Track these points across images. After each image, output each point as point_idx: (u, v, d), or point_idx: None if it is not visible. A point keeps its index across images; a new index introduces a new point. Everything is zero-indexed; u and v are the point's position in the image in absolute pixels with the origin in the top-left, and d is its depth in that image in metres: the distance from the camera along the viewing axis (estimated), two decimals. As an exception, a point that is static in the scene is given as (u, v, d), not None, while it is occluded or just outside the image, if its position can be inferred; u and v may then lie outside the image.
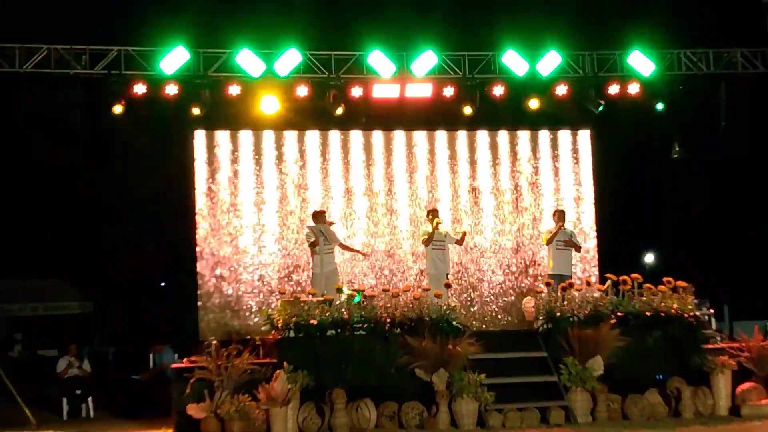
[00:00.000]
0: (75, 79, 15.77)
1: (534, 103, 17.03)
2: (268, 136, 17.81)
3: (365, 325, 12.48)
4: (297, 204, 17.54)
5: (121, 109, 15.86)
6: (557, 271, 15.21)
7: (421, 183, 18.05)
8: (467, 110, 16.83)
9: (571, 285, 13.52)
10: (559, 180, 18.55)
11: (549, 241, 15.57)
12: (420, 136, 18.28)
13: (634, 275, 13.50)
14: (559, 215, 15.87)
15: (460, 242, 15.68)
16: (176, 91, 15.99)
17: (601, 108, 16.93)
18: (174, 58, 15.92)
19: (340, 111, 16.54)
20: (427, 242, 15.24)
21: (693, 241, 18.79)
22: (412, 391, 12.28)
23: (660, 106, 17.12)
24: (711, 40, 17.22)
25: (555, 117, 17.71)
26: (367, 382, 12.23)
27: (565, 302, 13.26)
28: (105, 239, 18.43)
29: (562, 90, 16.88)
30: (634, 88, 16.99)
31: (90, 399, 15.64)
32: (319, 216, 15.21)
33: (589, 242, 18.19)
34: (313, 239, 14.82)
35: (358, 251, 15.07)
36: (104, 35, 16.10)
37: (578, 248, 15.97)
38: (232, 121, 17.22)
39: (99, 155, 17.32)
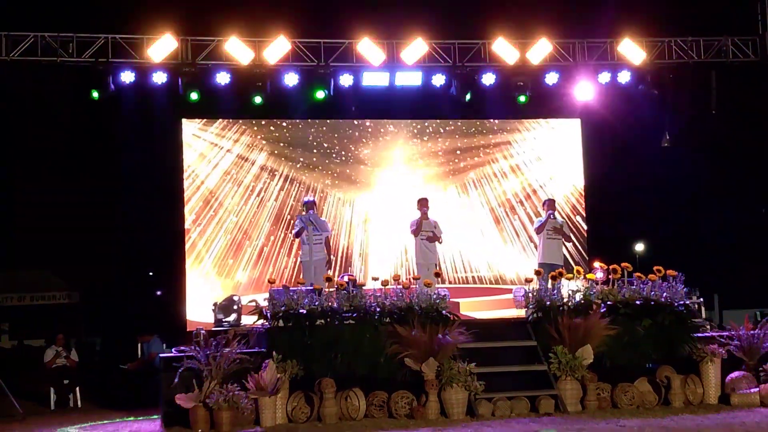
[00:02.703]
0: (62, 66, 15.65)
1: (523, 99, 16.96)
2: (257, 124, 17.74)
3: (355, 315, 12.43)
4: (286, 193, 17.49)
5: (97, 94, 15.75)
6: (547, 260, 15.19)
7: (410, 172, 18.02)
8: (467, 97, 16.78)
9: (561, 274, 13.48)
10: (548, 168, 18.54)
11: (539, 230, 15.56)
12: (409, 124, 18.24)
13: (624, 264, 13.47)
14: (549, 204, 15.86)
15: (434, 239, 15.46)
16: (164, 79, 15.91)
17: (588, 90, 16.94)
18: (162, 46, 15.82)
19: (321, 95, 16.44)
20: (416, 232, 15.20)
21: (683, 229, 18.78)
22: (402, 381, 12.23)
23: (650, 94, 17.08)
24: (701, 28, 17.19)
25: (545, 105, 17.67)
26: (356, 371, 12.17)
27: (555, 291, 13.22)
28: (93, 229, 18.33)
29: (552, 78, 16.84)
30: (624, 77, 16.96)
31: (77, 389, 15.59)
32: (309, 205, 15.13)
33: (579, 231, 18.20)
34: (297, 229, 14.80)
35: (328, 255, 15.04)
36: (91, 23, 16.01)
37: (567, 239, 15.95)
38: (221, 109, 17.13)
39: (86, 144, 17.24)
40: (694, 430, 10.91)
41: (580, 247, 18.28)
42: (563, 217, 17.18)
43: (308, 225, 14.66)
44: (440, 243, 15.45)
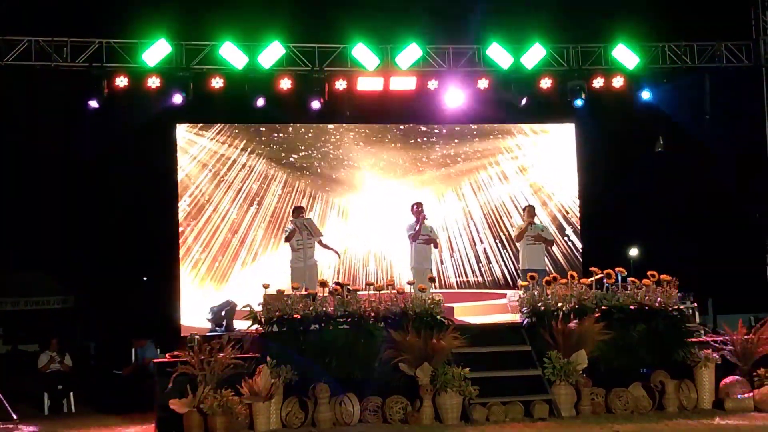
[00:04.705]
0: (56, 71, 15.65)
1: (524, 101, 16.94)
2: (251, 128, 17.73)
3: (349, 320, 12.43)
4: (280, 197, 17.49)
5: (100, 103, 15.75)
6: (529, 266, 15.15)
7: (404, 176, 18.03)
8: (449, 102, 16.76)
9: (555, 279, 13.48)
10: (543, 173, 18.55)
11: (519, 238, 15.52)
12: (404, 129, 18.25)
13: (618, 269, 13.48)
14: (529, 211, 15.77)
15: (436, 245, 15.50)
16: (158, 84, 15.91)
17: (580, 100, 16.90)
18: (156, 51, 15.83)
19: (316, 105, 16.46)
20: (414, 237, 15.17)
21: (677, 234, 18.79)
22: (396, 386, 12.23)
23: (647, 95, 17.10)
24: (695, 33, 17.23)
25: (539, 110, 17.68)
26: (350, 376, 12.17)
27: (549, 296, 13.23)
28: (87, 233, 18.30)
29: (546, 83, 16.86)
30: (618, 82, 17.00)
31: (71, 394, 15.55)
32: (299, 210, 15.18)
33: (573, 236, 18.23)
34: (287, 234, 14.82)
35: (334, 249, 15.12)
36: (86, 27, 16.00)
37: (549, 243, 15.91)
38: (215, 114, 17.14)
39: (80, 148, 17.21)
40: (688, 434, 10.96)
41: (574, 252, 18.29)
42: (553, 222, 17.19)
43: (303, 230, 14.68)
44: (436, 248, 15.43)
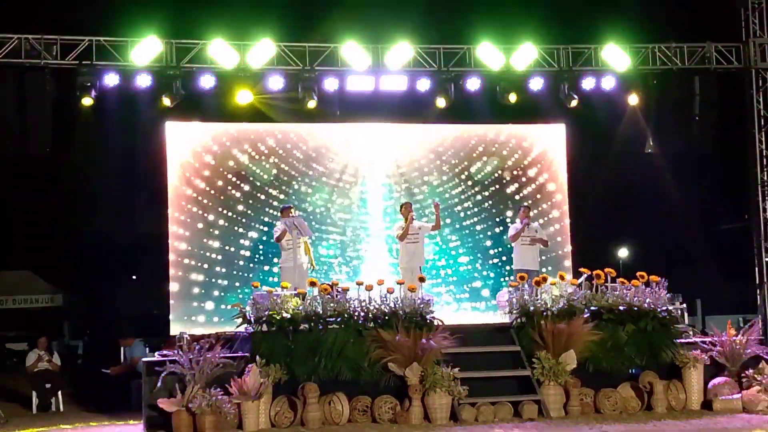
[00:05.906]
0: (45, 69, 15.58)
1: (513, 98, 16.94)
2: (241, 128, 17.67)
3: (338, 319, 12.42)
4: (270, 196, 17.45)
5: (90, 101, 15.69)
6: (523, 267, 15.19)
7: (394, 176, 18.00)
8: (440, 102, 16.75)
9: (545, 279, 13.50)
10: (533, 174, 18.55)
11: (514, 238, 15.56)
12: (394, 128, 18.22)
13: (607, 269, 13.52)
14: (524, 211, 15.82)
15: (436, 227, 15.63)
16: (148, 83, 15.85)
17: (574, 101, 16.92)
18: (146, 49, 15.76)
19: (312, 104, 16.42)
20: (402, 237, 15.19)
21: (666, 235, 18.86)
22: (385, 385, 12.27)
23: (634, 100, 17.14)
24: (685, 35, 17.27)
25: (529, 111, 17.68)
26: (339, 376, 12.20)
27: (539, 296, 13.25)
28: (75, 232, 18.26)
29: (536, 84, 16.86)
30: (608, 83, 17.02)
31: (60, 393, 15.53)
32: (287, 210, 15.18)
33: (563, 237, 18.23)
34: (279, 233, 14.79)
35: (311, 258, 15.21)
36: (75, 25, 15.94)
37: (545, 243, 15.95)
38: (205, 113, 17.07)
39: (70, 147, 17.15)
40: (676, 435, 10.99)
41: (564, 252, 18.28)
42: (543, 223, 17.22)
43: (292, 229, 14.66)
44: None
